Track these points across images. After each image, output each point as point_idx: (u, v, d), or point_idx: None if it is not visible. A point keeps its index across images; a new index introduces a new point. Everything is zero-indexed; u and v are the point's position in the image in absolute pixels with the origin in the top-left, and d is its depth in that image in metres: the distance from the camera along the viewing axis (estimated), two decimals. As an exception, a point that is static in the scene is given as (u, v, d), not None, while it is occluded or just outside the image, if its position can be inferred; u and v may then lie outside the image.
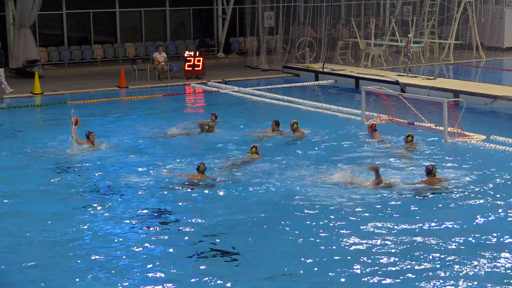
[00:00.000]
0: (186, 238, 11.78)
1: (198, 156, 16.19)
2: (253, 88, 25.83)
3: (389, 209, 12.88)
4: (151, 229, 12.14)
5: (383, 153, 16.62)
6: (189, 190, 14.12)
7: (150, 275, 10.35)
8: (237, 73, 29.66)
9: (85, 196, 13.86)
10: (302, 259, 10.72)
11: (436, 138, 17.71)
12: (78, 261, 10.82)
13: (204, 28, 35.71)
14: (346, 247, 11.22)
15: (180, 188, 14.22)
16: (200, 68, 28.17)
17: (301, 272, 10.33)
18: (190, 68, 28.21)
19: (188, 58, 28.21)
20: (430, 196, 13.53)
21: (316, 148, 17.16)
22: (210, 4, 34.97)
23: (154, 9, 34.15)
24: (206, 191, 14.02)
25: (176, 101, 24.70)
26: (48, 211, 13.03)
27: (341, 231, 11.87)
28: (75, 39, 32.43)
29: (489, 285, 9.80)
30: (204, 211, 12.98)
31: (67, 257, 10.96)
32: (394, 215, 12.55)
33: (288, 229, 12.03)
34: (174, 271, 10.47)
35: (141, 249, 11.25)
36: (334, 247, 11.21)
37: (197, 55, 28.25)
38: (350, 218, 12.47)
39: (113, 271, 10.45)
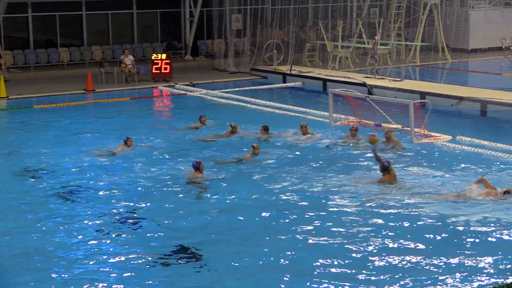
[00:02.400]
0: (157, 242, 11.72)
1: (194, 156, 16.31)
2: (221, 90, 25.83)
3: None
4: (121, 233, 12.09)
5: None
6: (167, 191, 14.20)
7: (119, 280, 10.31)
8: (205, 75, 29.62)
9: (49, 201, 13.72)
10: (275, 268, 10.62)
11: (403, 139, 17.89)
12: (45, 267, 10.77)
13: (171, 30, 35.62)
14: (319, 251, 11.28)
15: (160, 190, 14.27)
16: (167, 71, 28.10)
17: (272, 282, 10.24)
18: (158, 71, 28.13)
19: (155, 61, 28.12)
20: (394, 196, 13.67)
21: (298, 153, 17.14)
22: (178, 7, 34.90)
23: (121, 12, 33.98)
24: (193, 193, 14.08)
25: (144, 104, 24.59)
26: (13, 216, 12.90)
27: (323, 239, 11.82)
28: (41, 42, 32.16)
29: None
30: (180, 214, 12.99)
31: (36, 266, 10.91)
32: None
33: (266, 237, 11.89)
34: (143, 276, 10.45)
35: (112, 254, 11.21)
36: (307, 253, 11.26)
37: (165, 58, 28.18)
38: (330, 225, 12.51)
39: (80, 276, 10.41)
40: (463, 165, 15.75)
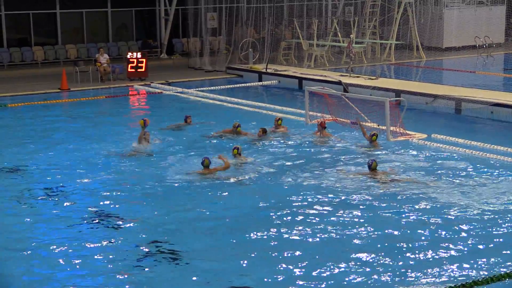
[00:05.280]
0: (133, 241, 11.67)
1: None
2: (197, 89, 25.79)
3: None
4: (100, 235, 12.01)
5: (348, 151, 16.96)
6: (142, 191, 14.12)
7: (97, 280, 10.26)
8: (180, 74, 29.57)
9: (23, 200, 13.64)
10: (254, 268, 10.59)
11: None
12: (25, 266, 10.68)
13: (146, 29, 35.49)
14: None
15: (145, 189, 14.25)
16: (143, 69, 28.00)
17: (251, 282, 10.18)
18: (133, 70, 28.02)
19: (130, 60, 28.00)
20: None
21: (277, 150, 17.09)
22: (153, 5, 34.79)
23: (95, 10, 33.78)
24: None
25: (120, 102, 24.48)
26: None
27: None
28: (15, 41, 31.90)
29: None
30: (153, 214, 12.94)
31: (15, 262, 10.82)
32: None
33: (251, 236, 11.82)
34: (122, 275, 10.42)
35: (90, 252, 11.17)
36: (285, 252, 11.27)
37: (140, 56, 28.07)
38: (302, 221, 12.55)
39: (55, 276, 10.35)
40: (436, 162, 15.89)
